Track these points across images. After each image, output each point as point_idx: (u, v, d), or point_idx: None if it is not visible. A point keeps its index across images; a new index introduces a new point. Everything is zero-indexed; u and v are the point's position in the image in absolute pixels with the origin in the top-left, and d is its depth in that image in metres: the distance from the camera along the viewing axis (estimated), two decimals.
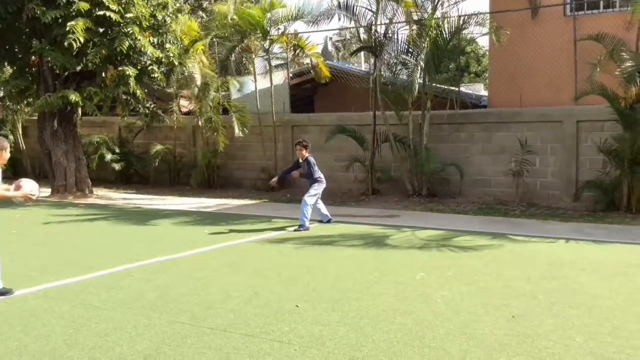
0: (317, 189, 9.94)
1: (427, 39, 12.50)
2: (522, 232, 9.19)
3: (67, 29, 12.05)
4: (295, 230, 9.46)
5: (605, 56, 11.24)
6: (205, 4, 25.59)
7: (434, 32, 12.62)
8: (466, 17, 12.53)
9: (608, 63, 11.15)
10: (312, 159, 10.01)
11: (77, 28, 12.12)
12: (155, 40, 13.77)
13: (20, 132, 19.26)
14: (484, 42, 32.25)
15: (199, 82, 14.99)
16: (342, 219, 10.51)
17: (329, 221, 10.21)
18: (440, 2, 12.95)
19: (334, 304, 5.51)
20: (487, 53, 24.60)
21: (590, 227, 9.69)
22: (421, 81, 12.94)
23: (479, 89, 22.41)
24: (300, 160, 10.14)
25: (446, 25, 12.76)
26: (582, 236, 8.85)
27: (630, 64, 10.77)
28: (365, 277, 6.53)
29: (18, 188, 5.80)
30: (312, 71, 15.56)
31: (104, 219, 11.07)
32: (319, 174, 9.96)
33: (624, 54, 11.02)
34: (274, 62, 15.92)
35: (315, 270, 6.89)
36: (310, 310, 5.33)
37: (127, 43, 12.69)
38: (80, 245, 8.72)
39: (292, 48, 15.37)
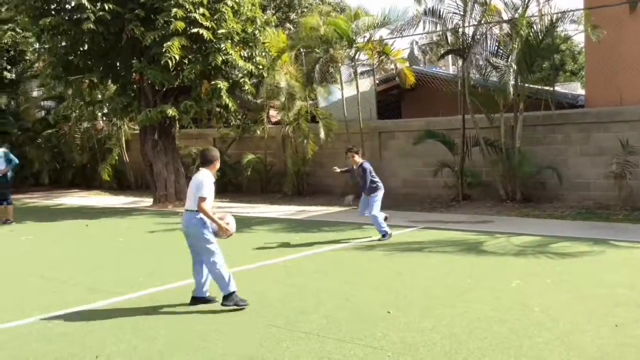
0: (378, 197, 9.40)
1: (518, 38, 12.15)
2: (626, 238, 8.71)
3: (164, 49, 12.76)
4: (379, 240, 9.28)
5: None
6: (292, 16, 26.19)
7: (526, 31, 12.24)
8: (559, 14, 12.06)
9: None
10: (368, 165, 9.45)
11: (173, 47, 12.79)
12: (246, 53, 14.30)
13: (124, 145, 20.51)
14: (579, 38, 30.93)
15: (290, 92, 15.37)
16: (432, 225, 10.40)
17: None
18: (531, 0, 12.55)
19: (426, 310, 5.49)
20: (583, 50, 23.50)
21: None
22: (513, 82, 12.59)
23: (576, 88, 21.41)
24: (354, 167, 9.62)
25: (538, 24, 12.34)
26: None
27: None
28: (458, 283, 6.44)
29: (223, 219, 6.14)
30: (397, 77, 15.52)
31: None
32: (376, 179, 9.46)
33: None
34: (359, 70, 16.02)
35: (405, 276, 6.88)
36: (402, 316, 5.34)
37: (220, 58, 13.27)
38: (182, 252, 9.13)
39: (377, 55, 15.40)
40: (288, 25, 24.83)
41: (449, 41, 14.78)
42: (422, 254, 8.21)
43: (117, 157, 20.28)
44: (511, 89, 11.84)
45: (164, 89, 14.32)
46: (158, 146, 15.17)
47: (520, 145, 12.54)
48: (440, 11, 13.29)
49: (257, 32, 14.41)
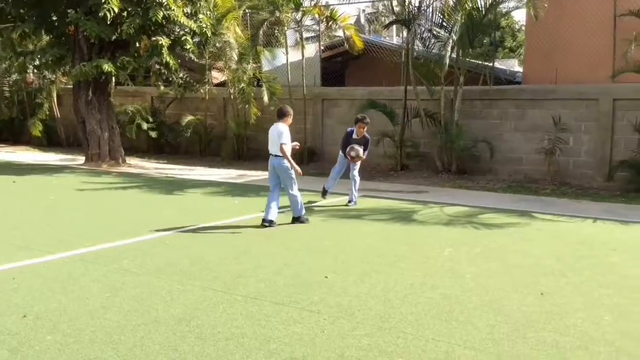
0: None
1: (462, 11, 12.29)
2: (553, 211, 9.11)
3: (102, 0, 12.15)
4: (347, 205, 9.48)
5: None
6: None
7: (470, 4, 12.39)
8: None
9: None
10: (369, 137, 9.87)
11: None
12: (189, 10, 13.83)
13: (56, 100, 19.59)
14: (519, 16, 31.67)
15: (234, 53, 15.04)
16: (370, 194, 10.54)
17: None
18: None
19: (363, 276, 5.59)
20: (523, 28, 24.06)
21: (623, 207, 9.56)
22: (454, 55, 12.78)
23: (513, 65, 21.99)
24: (356, 137, 9.59)
25: None
26: (614, 216, 8.73)
27: None
28: (393, 251, 6.59)
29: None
30: (345, 43, 15.43)
31: (137, 187, 11.30)
32: None
33: None
34: (305, 35, 15.84)
35: (343, 243, 6.97)
36: (339, 281, 5.42)
37: (161, 13, 12.76)
38: (114, 212, 8.94)
39: (324, 20, 15.24)
40: None
41: (395, 11, 14.81)
42: (360, 222, 8.33)
43: (47, 113, 19.37)
44: (447, 60, 12.02)
45: (101, 43, 13.71)
46: (92, 102, 14.58)
47: (458, 119, 12.82)
48: None
49: None
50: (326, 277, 5.54)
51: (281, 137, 7.73)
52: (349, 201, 9.59)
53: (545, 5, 12.03)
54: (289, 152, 7.79)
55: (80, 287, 5.23)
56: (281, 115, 8.00)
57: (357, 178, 9.60)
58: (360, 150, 9.39)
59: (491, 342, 4.06)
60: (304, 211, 8.09)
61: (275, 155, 7.87)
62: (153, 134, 16.85)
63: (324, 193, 9.95)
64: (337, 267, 5.92)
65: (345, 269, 5.85)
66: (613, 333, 4.22)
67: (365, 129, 9.62)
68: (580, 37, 12.88)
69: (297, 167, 7.95)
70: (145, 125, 16.71)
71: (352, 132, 9.65)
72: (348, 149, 9.40)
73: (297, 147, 8.48)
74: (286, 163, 7.83)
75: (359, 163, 9.60)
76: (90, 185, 11.44)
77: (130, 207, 9.34)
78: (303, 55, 14.91)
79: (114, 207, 9.33)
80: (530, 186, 11.67)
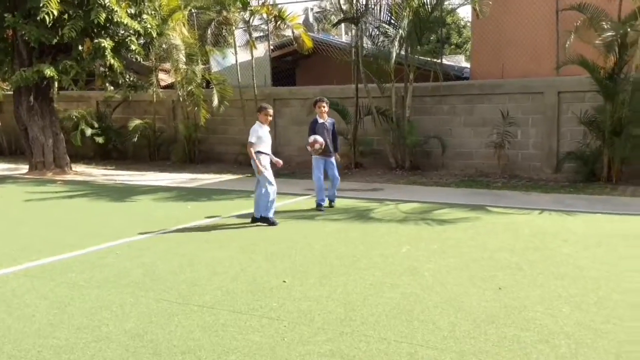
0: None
1: (409, 8, 12.36)
2: (504, 204, 9.26)
3: (41, 3, 11.66)
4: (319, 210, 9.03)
5: (584, 23, 11.21)
6: None
7: (416, 1, 12.47)
8: None
9: (589, 33, 11.14)
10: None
11: (52, 1, 11.74)
12: (133, 11, 13.45)
13: None
14: (464, 13, 32.26)
15: (181, 54, 14.72)
16: (326, 193, 10.43)
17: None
18: None
19: (322, 279, 5.50)
20: (469, 24, 24.47)
21: (571, 198, 9.80)
22: (403, 53, 12.85)
23: (460, 61, 22.35)
24: (320, 121, 8.94)
25: None
26: (564, 207, 8.94)
27: (610, 34, 10.78)
28: (351, 251, 6.53)
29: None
30: (294, 42, 15.34)
31: (84, 196, 10.91)
32: None
33: (604, 23, 11.01)
34: (254, 34, 15.65)
35: (300, 245, 6.87)
36: (297, 285, 5.31)
37: (103, 15, 12.34)
38: (61, 223, 8.58)
39: (273, 19, 15.10)
40: None
41: (343, 9, 14.80)
42: (316, 222, 8.24)
43: None
44: (394, 57, 12.08)
45: (41, 47, 13.17)
46: (34, 109, 14.04)
47: (410, 115, 12.91)
48: None
49: None
50: (284, 281, 5.43)
51: (250, 135, 7.95)
52: (331, 202, 9.25)
53: (490, 2, 12.23)
54: (254, 152, 7.88)
55: (26, 305, 4.95)
56: (257, 111, 8.29)
57: (337, 177, 9.14)
58: (320, 138, 8.63)
59: (453, 341, 4.03)
60: (270, 213, 8.03)
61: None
62: (99, 140, 16.33)
63: (319, 207, 9.08)
64: (296, 270, 5.81)
65: (303, 272, 5.75)
66: (572, 325, 4.27)
67: (326, 109, 9.04)
68: (525, 32, 13.16)
69: (260, 168, 7.87)
70: (89, 131, 16.18)
71: (315, 120, 9.02)
72: (312, 140, 8.66)
73: (279, 164, 8.30)
74: (254, 164, 7.89)
75: (334, 160, 9.04)
76: (34, 195, 10.97)
77: (78, 217, 8.98)
78: (252, 56, 14.73)
79: (60, 218, 8.96)
80: (481, 180, 11.86)
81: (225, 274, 5.68)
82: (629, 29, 10.64)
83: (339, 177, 9.28)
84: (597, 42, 10.82)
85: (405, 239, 7.03)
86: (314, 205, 9.22)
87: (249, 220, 8.23)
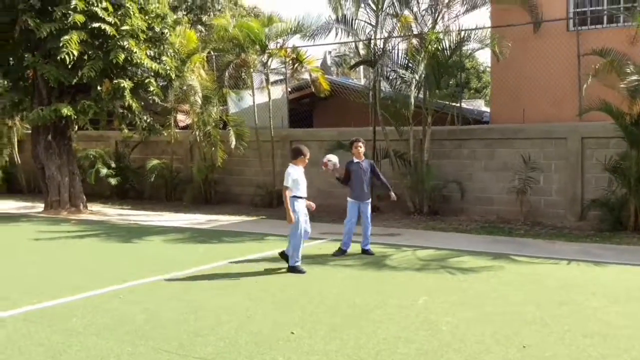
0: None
1: (426, 53, 12.26)
2: (528, 253, 8.87)
3: (62, 43, 11.79)
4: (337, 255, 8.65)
5: (605, 67, 10.97)
6: (204, 18, 25.47)
7: (434, 45, 12.38)
8: (468, 32, 12.31)
9: (610, 77, 10.89)
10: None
11: (72, 42, 11.86)
12: (152, 53, 13.56)
13: (16, 146, 18.93)
14: (484, 58, 32.29)
15: (198, 96, 14.76)
16: (340, 237, 10.14)
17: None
18: (440, 16, 12.74)
19: (332, 331, 5.17)
20: (488, 69, 24.39)
21: (597, 247, 9.37)
22: (421, 96, 12.70)
23: (480, 105, 22.20)
24: (356, 161, 8.68)
25: (447, 40, 12.54)
26: (590, 257, 8.52)
27: (635, 78, 10.52)
28: (365, 300, 6.19)
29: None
30: (311, 85, 15.31)
31: (95, 236, 10.73)
32: None
33: (628, 68, 10.77)
34: (272, 77, 15.68)
35: (312, 293, 6.55)
36: (306, 338, 4.99)
37: (122, 56, 12.43)
38: (68, 264, 8.38)
39: (290, 62, 15.13)
40: (200, 27, 24.10)
41: (361, 53, 14.79)
42: (330, 268, 7.93)
43: (7, 159, 18.73)
44: (413, 101, 11.92)
45: (61, 87, 13.29)
46: (52, 147, 14.04)
47: (428, 159, 12.66)
48: (352, 21, 13.20)
49: (166, 30, 13.70)
50: (292, 332, 5.11)
51: (285, 179, 7.54)
52: (367, 250, 8.78)
53: (510, 44, 12.10)
54: (289, 197, 7.46)
55: (20, 352, 4.70)
56: (294, 155, 7.71)
57: (369, 224, 8.78)
58: (333, 157, 8.40)
59: None
60: (298, 261, 7.60)
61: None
62: (113, 181, 16.28)
63: (342, 253, 8.71)
64: (305, 320, 5.49)
65: (313, 322, 5.42)
66: None
67: (363, 150, 8.70)
68: (546, 77, 12.98)
69: (291, 215, 7.41)
70: (104, 171, 16.16)
71: (351, 162, 8.75)
72: (327, 160, 8.38)
73: (312, 208, 7.90)
74: (288, 211, 7.44)
75: (369, 207, 8.76)
76: (46, 234, 10.83)
77: (87, 258, 8.77)
78: (270, 97, 14.71)
79: (69, 259, 8.76)
80: (503, 226, 11.46)
81: (231, 323, 5.38)
82: None
83: (369, 222, 8.82)
84: (621, 86, 10.57)
85: (422, 289, 6.68)
86: (328, 250, 8.92)
87: (259, 266, 7.94)
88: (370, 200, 8.86)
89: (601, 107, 10.62)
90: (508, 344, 4.81)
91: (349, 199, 8.77)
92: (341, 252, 8.70)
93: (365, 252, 8.77)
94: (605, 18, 13.21)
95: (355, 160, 8.70)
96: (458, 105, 14.47)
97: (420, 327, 5.26)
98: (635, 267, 7.88)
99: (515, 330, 5.15)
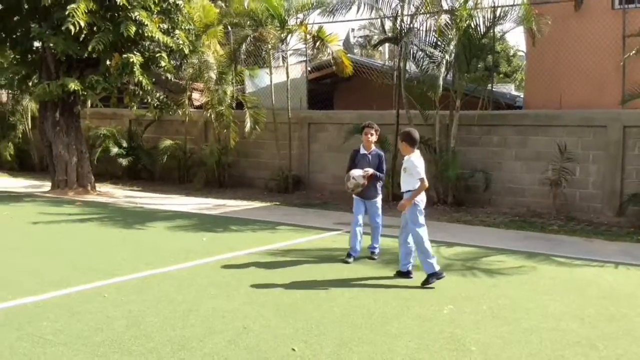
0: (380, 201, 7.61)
1: (456, 30, 11.29)
2: (564, 252, 7.99)
3: (67, 12, 11.10)
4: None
5: None
6: None
7: (466, 22, 11.40)
8: (505, 8, 11.32)
9: None
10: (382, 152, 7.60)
11: (78, 11, 11.15)
12: (166, 26, 12.81)
13: (29, 122, 18.43)
14: (514, 41, 30.97)
15: (212, 73, 14.00)
16: None
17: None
18: None
19: (340, 347, 4.41)
20: (519, 53, 23.19)
21: (639, 248, 8.46)
22: (450, 77, 11.78)
23: (510, 90, 21.08)
24: (363, 151, 7.39)
25: (480, 17, 11.57)
26: (634, 260, 7.62)
27: None
28: (381, 308, 5.41)
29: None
30: (333, 64, 14.44)
31: (97, 220, 10.09)
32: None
33: None
34: (291, 55, 14.86)
35: (321, 296, 5.79)
36: (309, 356, 4.24)
37: (133, 28, 11.69)
38: (59, 252, 7.71)
39: (311, 39, 14.26)
40: (220, 2, 23.24)
41: (386, 29, 13.86)
42: (342, 266, 7.12)
43: (20, 135, 18.27)
44: (441, 83, 11.02)
45: (70, 61, 12.63)
46: (59, 125, 13.42)
47: (455, 146, 11.77)
48: None
49: (180, 2, 12.91)
50: (293, 349, 4.35)
51: (417, 169, 6.52)
52: (372, 253, 7.54)
53: (549, 22, 11.09)
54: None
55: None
56: (412, 142, 6.55)
57: (379, 223, 7.55)
58: (360, 175, 7.05)
59: None
60: (435, 266, 6.23)
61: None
62: (124, 161, 15.68)
63: (349, 257, 7.31)
64: (310, 332, 4.73)
65: (319, 335, 4.66)
66: None
67: (374, 139, 7.41)
68: (586, 59, 11.94)
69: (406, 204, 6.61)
70: (114, 150, 15.54)
71: (357, 152, 7.44)
72: (345, 178, 7.16)
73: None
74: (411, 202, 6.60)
75: (379, 204, 7.49)
76: (46, 217, 10.22)
77: (79, 246, 8.05)
78: (288, 76, 13.89)
79: (60, 246, 8.08)
80: (534, 221, 10.55)
81: (224, 334, 4.65)
82: None
83: (377, 220, 7.54)
84: None
85: (447, 295, 5.86)
86: (342, 245, 8.02)
87: (267, 260, 7.21)
88: (378, 198, 7.50)
89: None
90: None
91: (353, 195, 7.43)
92: (349, 257, 7.34)
93: (371, 254, 7.61)
94: None
95: (362, 151, 7.39)
96: (488, 88, 13.49)
97: (444, 346, 4.47)
98: None
99: (559, 354, 4.33)
